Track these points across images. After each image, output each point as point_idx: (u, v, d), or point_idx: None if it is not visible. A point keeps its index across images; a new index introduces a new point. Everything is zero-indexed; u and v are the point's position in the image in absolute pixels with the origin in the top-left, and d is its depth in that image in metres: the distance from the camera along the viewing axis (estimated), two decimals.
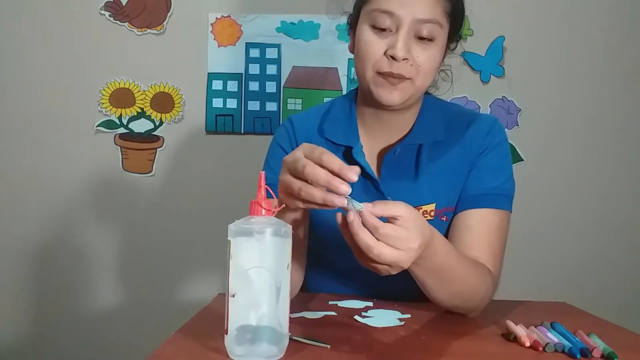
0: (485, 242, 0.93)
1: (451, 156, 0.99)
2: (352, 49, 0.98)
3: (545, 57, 1.90)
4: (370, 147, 1.01)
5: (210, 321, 0.80)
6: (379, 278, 0.98)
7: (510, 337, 0.75)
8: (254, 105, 1.89)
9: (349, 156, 0.98)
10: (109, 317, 1.89)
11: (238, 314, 0.63)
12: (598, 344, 0.70)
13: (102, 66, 1.88)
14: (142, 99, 1.89)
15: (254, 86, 1.89)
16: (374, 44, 0.90)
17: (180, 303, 1.89)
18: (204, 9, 1.88)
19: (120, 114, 1.89)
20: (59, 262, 1.89)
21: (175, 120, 1.89)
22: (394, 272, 0.70)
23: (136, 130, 1.89)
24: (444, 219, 0.99)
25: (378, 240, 0.66)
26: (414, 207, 0.96)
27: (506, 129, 1.67)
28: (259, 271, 0.62)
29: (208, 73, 1.88)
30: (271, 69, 1.88)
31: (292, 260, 0.66)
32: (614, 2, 1.90)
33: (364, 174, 0.96)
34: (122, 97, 1.88)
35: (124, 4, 1.88)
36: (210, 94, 1.89)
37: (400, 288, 0.92)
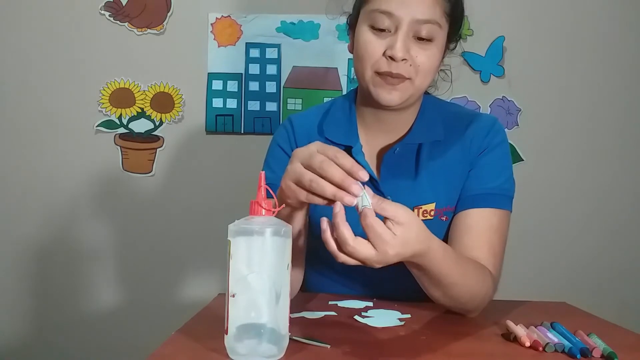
0: (486, 242, 0.93)
1: (451, 156, 0.99)
2: (352, 50, 0.98)
3: (545, 57, 1.90)
4: (369, 146, 1.01)
5: (210, 321, 0.80)
6: (379, 278, 0.99)
7: (510, 337, 0.75)
8: (254, 105, 1.89)
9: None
10: (109, 317, 1.89)
11: (238, 314, 0.63)
12: (598, 344, 0.70)
13: (102, 66, 1.88)
14: (142, 99, 1.89)
15: (254, 86, 1.89)
16: (373, 45, 0.90)
17: (180, 303, 1.89)
18: (204, 9, 1.88)
19: (120, 114, 1.89)
20: (59, 262, 1.89)
21: (175, 120, 1.89)
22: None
23: (136, 130, 1.89)
24: (444, 218, 0.99)
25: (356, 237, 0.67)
26: (414, 206, 0.97)
27: (506, 129, 1.67)
28: (259, 271, 0.62)
29: (208, 73, 1.88)
30: (271, 69, 1.88)
31: (291, 259, 0.66)
32: (614, 2, 1.90)
33: None
34: (122, 97, 1.88)
35: (124, 4, 1.88)
36: (210, 94, 1.89)
37: (400, 288, 0.92)
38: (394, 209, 0.68)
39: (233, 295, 0.63)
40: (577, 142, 1.92)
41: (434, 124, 1.00)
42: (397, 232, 0.68)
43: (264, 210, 0.65)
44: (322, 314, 0.87)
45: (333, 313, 0.88)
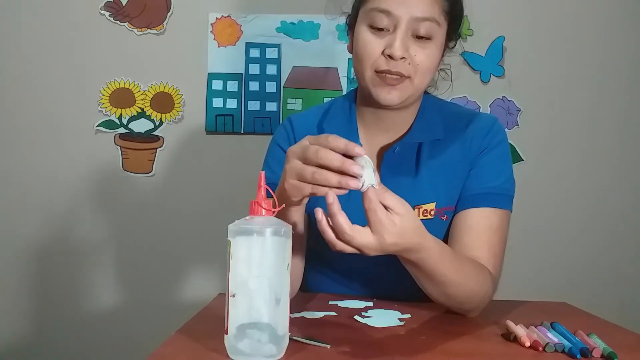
0: (486, 242, 0.93)
1: (451, 155, 0.99)
2: (351, 50, 0.98)
3: (545, 57, 1.90)
4: (370, 146, 1.01)
5: (210, 321, 0.80)
6: (379, 278, 0.99)
7: (510, 337, 0.75)
8: (254, 105, 1.89)
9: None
10: (109, 317, 1.89)
11: (238, 314, 0.63)
12: (598, 344, 0.70)
13: (102, 66, 1.88)
14: (142, 99, 1.89)
15: (254, 86, 1.89)
16: (372, 44, 0.90)
17: (180, 303, 1.89)
18: (204, 9, 1.88)
19: (120, 114, 1.89)
20: (59, 262, 1.89)
21: (175, 120, 1.89)
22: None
23: (136, 130, 1.89)
24: (444, 218, 0.99)
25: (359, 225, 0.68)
26: (415, 205, 0.97)
27: (506, 129, 1.66)
28: (259, 272, 0.62)
29: (208, 73, 1.88)
30: (271, 69, 1.88)
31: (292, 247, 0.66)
32: (614, 2, 1.90)
33: None
34: (122, 97, 1.88)
35: (124, 4, 1.88)
36: (210, 94, 1.89)
37: (400, 288, 0.92)
38: (395, 200, 0.70)
39: (233, 295, 0.63)
40: (577, 142, 1.92)
41: (434, 123, 1.00)
42: (395, 220, 0.69)
43: (264, 210, 0.65)
44: (322, 314, 0.87)
45: (333, 313, 0.88)
